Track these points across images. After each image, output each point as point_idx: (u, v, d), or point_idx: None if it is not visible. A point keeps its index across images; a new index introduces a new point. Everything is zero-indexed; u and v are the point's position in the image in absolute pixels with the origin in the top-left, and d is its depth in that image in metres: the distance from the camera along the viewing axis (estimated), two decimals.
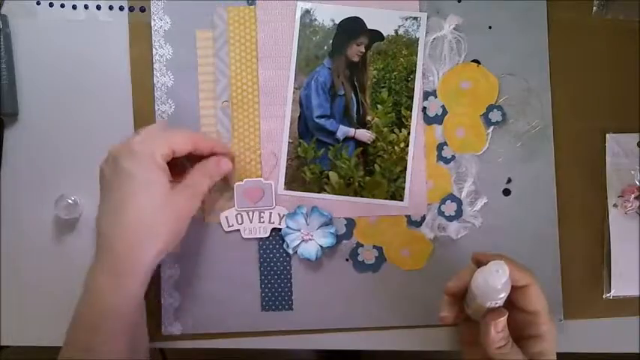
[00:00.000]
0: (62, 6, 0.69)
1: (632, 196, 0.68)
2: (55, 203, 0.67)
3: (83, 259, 0.67)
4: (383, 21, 0.68)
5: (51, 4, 0.69)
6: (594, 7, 0.69)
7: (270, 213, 0.68)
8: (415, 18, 0.68)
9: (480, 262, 0.57)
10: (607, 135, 0.69)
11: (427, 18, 0.68)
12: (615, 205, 0.69)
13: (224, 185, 0.68)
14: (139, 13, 0.68)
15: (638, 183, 0.69)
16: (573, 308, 0.69)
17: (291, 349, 0.85)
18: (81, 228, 0.69)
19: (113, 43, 0.69)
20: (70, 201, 0.67)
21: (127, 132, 0.68)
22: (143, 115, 0.68)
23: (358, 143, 0.69)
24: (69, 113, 0.69)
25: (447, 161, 0.69)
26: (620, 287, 0.69)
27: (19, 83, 0.68)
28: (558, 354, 0.70)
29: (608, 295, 0.69)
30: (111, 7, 0.69)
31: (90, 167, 0.68)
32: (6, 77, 0.67)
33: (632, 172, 0.69)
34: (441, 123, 0.69)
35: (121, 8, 0.69)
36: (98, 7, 0.69)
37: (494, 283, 0.52)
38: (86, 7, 0.69)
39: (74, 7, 0.69)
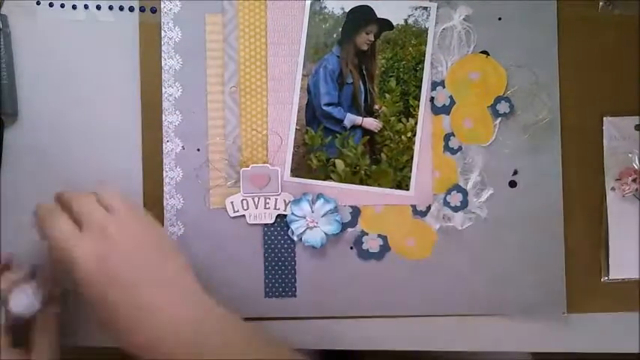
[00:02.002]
0: (62, 6, 0.68)
1: (630, 178, 0.68)
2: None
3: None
4: (393, 10, 0.68)
5: (51, 4, 0.68)
6: (601, 3, 0.69)
7: (276, 199, 0.68)
8: (425, 8, 0.68)
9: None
10: (604, 118, 0.69)
11: (437, 8, 0.68)
12: (613, 189, 0.69)
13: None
14: (149, 14, 0.68)
15: (635, 166, 0.68)
16: (574, 294, 0.69)
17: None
18: None
19: (114, 43, 0.68)
20: None
21: (131, 130, 0.68)
22: (150, 98, 0.68)
23: (365, 132, 0.69)
24: (69, 113, 0.69)
25: (453, 152, 0.69)
26: (618, 270, 0.69)
27: (19, 83, 0.68)
28: (559, 353, 0.70)
29: (606, 278, 0.69)
30: (111, 7, 0.68)
31: (89, 168, 0.68)
32: (6, 77, 0.67)
33: (630, 154, 0.69)
34: (448, 113, 0.69)
35: (121, 8, 0.68)
36: (98, 7, 0.68)
37: None
38: (86, 7, 0.68)
39: (74, 7, 0.68)
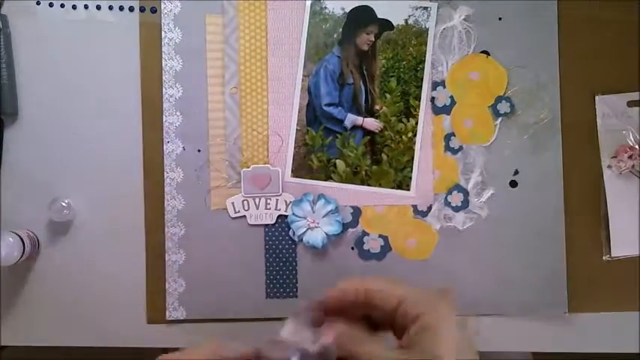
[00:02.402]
0: (62, 6, 0.68)
1: (626, 155, 0.67)
2: (48, 206, 0.67)
3: (78, 261, 0.69)
4: (393, 10, 0.68)
5: (51, 4, 0.68)
6: None
7: (277, 200, 0.68)
8: (425, 8, 0.68)
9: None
10: (596, 97, 0.68)
11: (437, 8, 0.68)
12: (609, 167, 0.69)
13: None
14: (149, 14, 0.68)
15: (630, 142, 0.68)
16: (575, 274, 0.69)
17: None
18: (75, 230, 0.69)
19: (114, 42, 0.68)
20: (63, 204, 0.67)
21: (131, 131, 0.68)
22: (151, 99, 0.68)
23: (366, 132, 0.69)
24: (69, 113, 0.69)
25: (454, 152, 0.69)
26: (619, 248, 0.69)
27: (19, 83, 0.68)
28: (560, 353, 0.70)
29: (607, 257, 0.69)
30: (111, 7, 0.68)
31: (89, 168, 0.69)
32: (6, 77, 0.67)
33: (624, 132, 0.68)
34: (449, 113, 0.69)
35: (121, 8, 0.69)
36: (98, 7, 0.68)
37: None
38: (86, 7, 0.68)
39: (74, 7, 0.69)
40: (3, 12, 0.68)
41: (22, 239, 0.64)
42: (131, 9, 0.69)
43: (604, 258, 0.69)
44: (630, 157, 0.67)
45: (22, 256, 0.64)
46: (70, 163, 0.69)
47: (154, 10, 0.68)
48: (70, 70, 0.69)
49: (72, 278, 0.69)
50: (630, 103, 0.69)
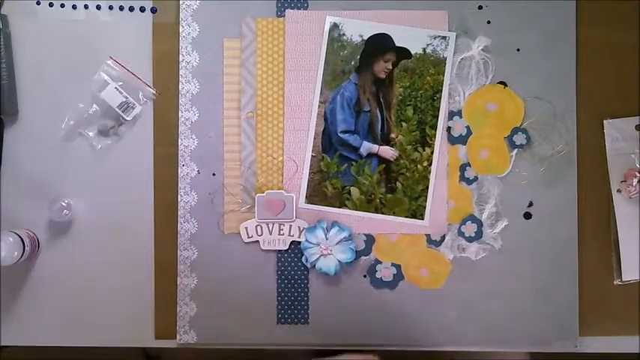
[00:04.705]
0: (62, 6, 0.69)
1: (635, 180, 0.67)
2: (48, 206, 0.67)
3: (78, 261, 0.69)
4: (411, 39, 0.68)
5: (51, 4, 0.68)
6: None
7: (290, 226, 0.68)
8: (444, 37, 0.68)
9: None
10: (604, 121, 0.68)
11: (456, 38, 0.68)
12: (619, 191, 0.68)
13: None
14: (149, 13, 0.69)
15: (638, 166, 0.68)
16: (586, 298, 0.68)
17: None
18: (75, 230, 0.69)
19: (114, 43, 0.68)
20: (63, 204, 0.67)
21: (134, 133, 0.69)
22: (166, 120, 0.68)
23: (381, 160, 0.68)
24: (68, 113, 0.68)
25: (469, 182, 0.69)
26: (629, 272, 0.68)
27: (19, 83, 0.68)
28: (559, 354, 0.70)
29: (618, 281, 0.69)
30: (111, 7, 0.68)
31: (87, 168, 0.69)
32: (6, 77, 0.67)
33: (633, 155, 0.68)
34: (465, 143, 0.69)
35: (121, 8, 0.69)
36: (98, 7, 0.68)
37: None
38: (86, 7, 0.68)
39: (74, 7, 0.69)
40: (3, 12, 0.68)
41: (22, 239, 0.64)
42: (131, 9, 0.69)
43: (615, 282, 0.69)
44: (639, 181, 0.67)
45: (22, 256, 0.64)
46: (67, 165, 0.69)
47: (153, 10, 0.68)
48: (70, 70, 0.69)
49: (72, 278, 0.69)
50: (639, 127, 0.68)
